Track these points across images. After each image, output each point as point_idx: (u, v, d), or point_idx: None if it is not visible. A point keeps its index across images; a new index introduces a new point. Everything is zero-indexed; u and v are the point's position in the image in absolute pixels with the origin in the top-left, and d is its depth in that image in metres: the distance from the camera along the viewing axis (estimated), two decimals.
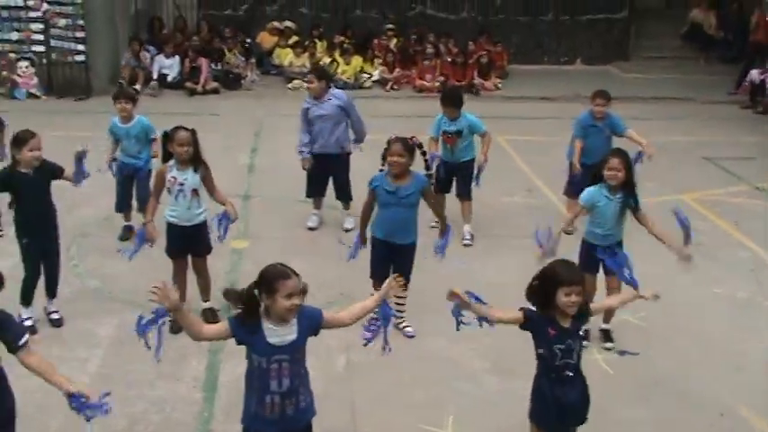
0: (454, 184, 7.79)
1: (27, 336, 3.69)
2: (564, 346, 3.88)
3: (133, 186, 7.40)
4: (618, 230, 5.60)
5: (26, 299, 5.77)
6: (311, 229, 7.88)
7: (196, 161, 5.66)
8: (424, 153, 5.69)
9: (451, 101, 7.59)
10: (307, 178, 7.85)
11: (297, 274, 3.54)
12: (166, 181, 5.62)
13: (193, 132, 5.63)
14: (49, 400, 4.89)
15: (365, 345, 5.31)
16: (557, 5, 16.93)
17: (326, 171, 7.75)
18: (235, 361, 5.37)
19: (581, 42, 17.13)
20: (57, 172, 5.64)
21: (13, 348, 3.62)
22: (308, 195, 7.91)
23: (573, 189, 7.72)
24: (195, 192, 5.66)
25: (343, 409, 4.96)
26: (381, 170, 5.88)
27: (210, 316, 5.96)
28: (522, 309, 3.95)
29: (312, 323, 3.70)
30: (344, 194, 7.84)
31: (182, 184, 5.60)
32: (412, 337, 5.88)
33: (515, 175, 9.80)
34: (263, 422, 3.66)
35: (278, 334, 3.58)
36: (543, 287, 3.88)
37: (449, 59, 15.07)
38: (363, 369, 5.46)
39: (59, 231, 5.86)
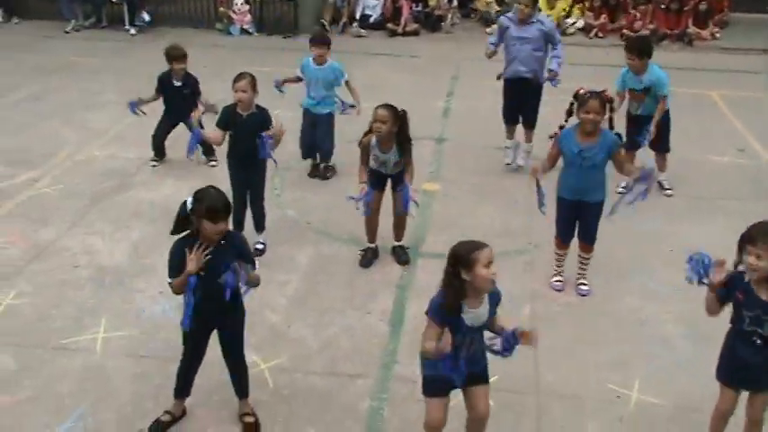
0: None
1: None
2: (752, 314, 3.70)
3: (315, 134, 7.59)
4: None
5: (236, 226, 6.18)
6: (508, 164, 7.81)
7: (401, 142, 5.61)
8: (612, 110, 5.34)
9: (636, 48, 6.92)
10: (503, 104, 7.74)
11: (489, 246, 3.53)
12: (370, 156, 5.70)
13: (397, 113, 5.53)
14: (255, 317, 5.25)
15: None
16: None
17: (518, 96, 7.53)
18: (422, 300, 5.45)
19: None
20: (265, 124, 5.84)
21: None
22: (504, 120, 7.79)
23: None
24: (398, 164, 5.72)
25: (525, 358, 4.90)
26: (563, 126, 5.55)
27: (402, 253, 6.13)
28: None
29: (497, 300, 3.71)
30: (530, 121, 7.65)
31: (384, 163, 5.70)
32: (584, 295, 5.67)
33: (727, 134, 9.11)
34: (444, 369, 3.67)
35: (473, 316, 3.60)
36: (739, 243, 3.69)
37: (662, 6, 14.13)
38: (548, 321, 5.38)
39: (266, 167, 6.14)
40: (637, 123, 7.15)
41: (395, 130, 5.55)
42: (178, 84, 7.59)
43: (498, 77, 7.68)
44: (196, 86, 7.65)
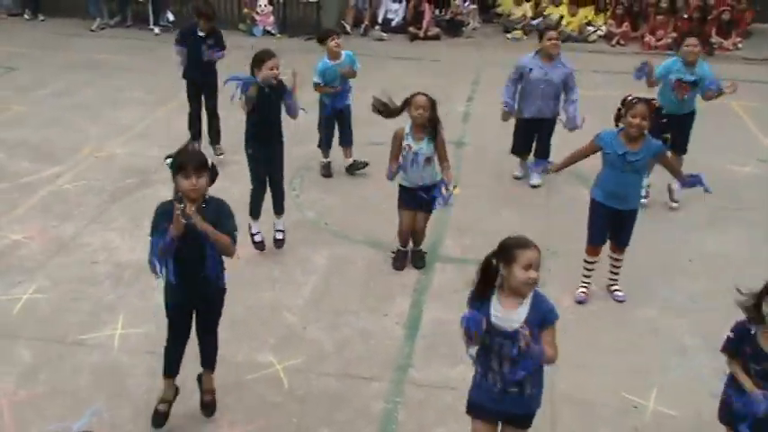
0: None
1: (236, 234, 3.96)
2: (759, 368, 3.52)
3: (335, 126, 7.71)
4: None
5: (254, 212, 6.18)
6: (517, 177, 7.81)
7: (432, 129, 5.67)
8: (660, 117, 5.32)
9: (698, 34, 6.96)
10: (513, 137, 7.76)
11: (538, 249, 3.36)
12: (403, 146, 5.70)
13: (432, 100, 5.63)
14: (272, 317, 5.30)
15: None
16: None
17: (535, 132, 7.58)
18: (438, 304, 5.51)
19: None
20: (286, 93, 5.87)
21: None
22: (514, 152, 7.85)
23: None
24: (428, 160, 5.73)
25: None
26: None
27: (418, 259, 6.12)
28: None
29: (542, 316, 3.39)
30: (544, 153, 7.61)
31: (416, 153, 5.68)
32: (622, 301, 5.67)
33: (748, 144, 9.05)
34: (484, 394, 3.54)
35: (501, 316, 3.37)
36: (757, 296, 3.50)
37: (684, 16, 14.04)
38: (563, 328, 5.30)
39: (285, 158, 6.13)
40: (670, 121, 6.88)
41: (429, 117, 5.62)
42: (201, 34, 7.65)
43: (504, 119, 7.63)
44: (220, 40, 7.77)
